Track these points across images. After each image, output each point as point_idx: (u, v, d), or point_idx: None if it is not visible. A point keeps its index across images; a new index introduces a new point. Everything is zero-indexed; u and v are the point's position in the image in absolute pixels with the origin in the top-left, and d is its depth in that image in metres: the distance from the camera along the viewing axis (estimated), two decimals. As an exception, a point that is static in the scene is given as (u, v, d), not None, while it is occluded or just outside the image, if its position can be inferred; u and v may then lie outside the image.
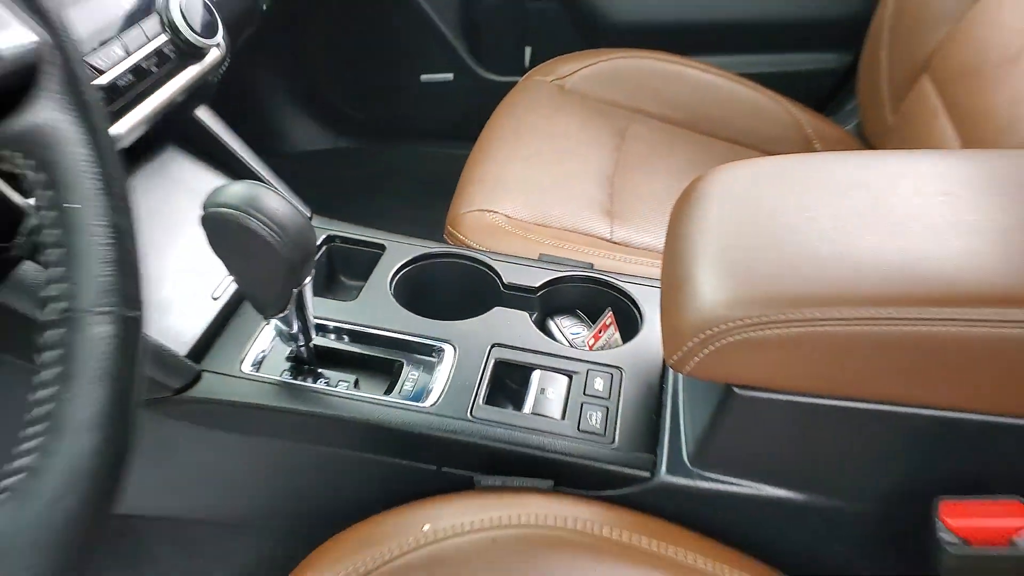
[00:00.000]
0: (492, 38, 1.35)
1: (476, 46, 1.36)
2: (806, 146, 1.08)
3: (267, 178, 0.73)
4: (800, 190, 0.54)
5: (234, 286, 0.64)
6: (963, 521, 0.47)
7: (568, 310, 0.70)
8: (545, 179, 0.90)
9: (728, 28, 1.26)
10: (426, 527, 0.52)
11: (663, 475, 0.54)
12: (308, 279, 0.53)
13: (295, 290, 0.53)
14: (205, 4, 0.65)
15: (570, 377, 0.60)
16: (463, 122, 1.28)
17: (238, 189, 0.49)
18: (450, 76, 1.37)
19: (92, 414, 0.26)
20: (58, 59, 0.28)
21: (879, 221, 0.51)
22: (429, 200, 1.07)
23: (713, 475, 0.54)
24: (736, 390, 0.49)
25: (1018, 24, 0.85)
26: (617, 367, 0.61)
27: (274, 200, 0.49)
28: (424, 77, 1.37)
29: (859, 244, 0.49)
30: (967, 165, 0.58)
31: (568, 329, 0.67)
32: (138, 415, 0.28)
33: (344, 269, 0.73)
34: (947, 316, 0.45)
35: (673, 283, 0.51)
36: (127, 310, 0.28)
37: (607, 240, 0.84)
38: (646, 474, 0.54)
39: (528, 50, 1.36)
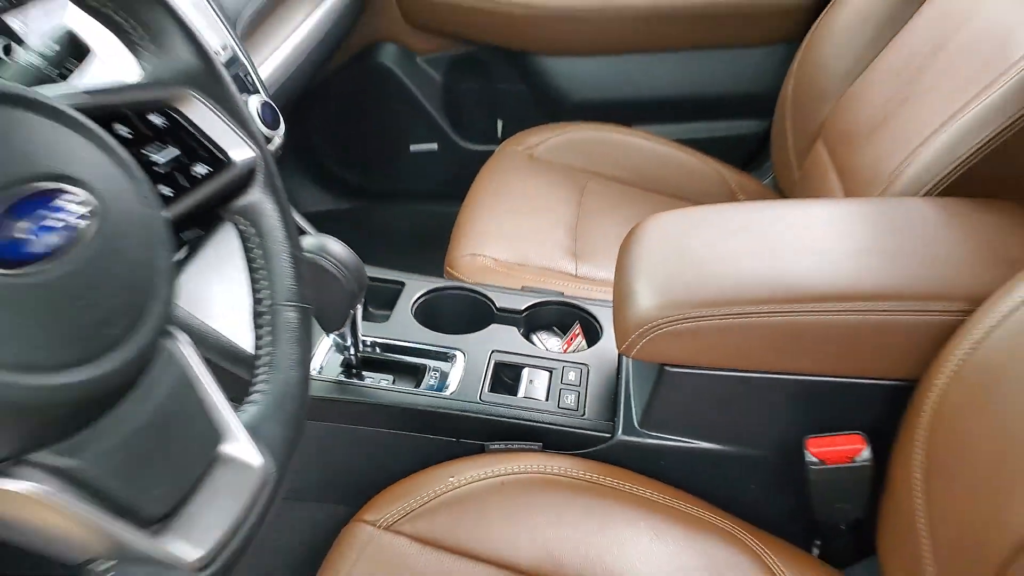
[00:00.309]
0: (470, 114, 1.57)
1: (456, 121, 1.58)
2: (731, 198, 1.31)
3: (311, 231, 0.94)
4: (707, 230, 0.77)
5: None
6: (821, 449, 0.69)
7: (546, 326, 0.91)
8: (522, 229, 1.12)
9: (665, 103, 1.49)
10: (451, 478, 0.72)
11: (620, 435, 0.75)
12: (360, 304, 0.74)
13: (351, 312, 0.73)
14: (268, 103, 0.87)
15: (550, 372, 0.81)
16: (446, 185, 1.50)
17: (312, 239, 0.70)
18: (435, 146, 1.57)
19: (293, 360, 0.46)
20: (262, 164, 0.49)
21: (761, 249, 0.73)
22: (420, 251, 1.26)
23: (656, 434, 0.75)
24: (666, 368, 0.71)
25: (880, 100, 1.11)
26: (584, 364, 0.83)
27: (339, 246, 0.70)
28: (413, 147, 1.57)
29: (745, 265, 0.71)
30: (832, 209, 0.82)
31: (547, 340, 0.89)
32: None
33: (372, 300, 0.94)
34: (802, 310, 0.67)
35: (621, 297, 0.73)
36: (302, 303, 0.48)
37: (573, 275, 1.06)
38: (608, 435, 0.75)
39: (500, 123, 1.60)
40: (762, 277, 0.69)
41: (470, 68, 1.54)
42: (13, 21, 0.57)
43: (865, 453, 0.67)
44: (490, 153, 1.32)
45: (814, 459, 0.68)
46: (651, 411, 0.74)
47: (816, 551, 0.77)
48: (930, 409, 0.62)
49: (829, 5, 1.28)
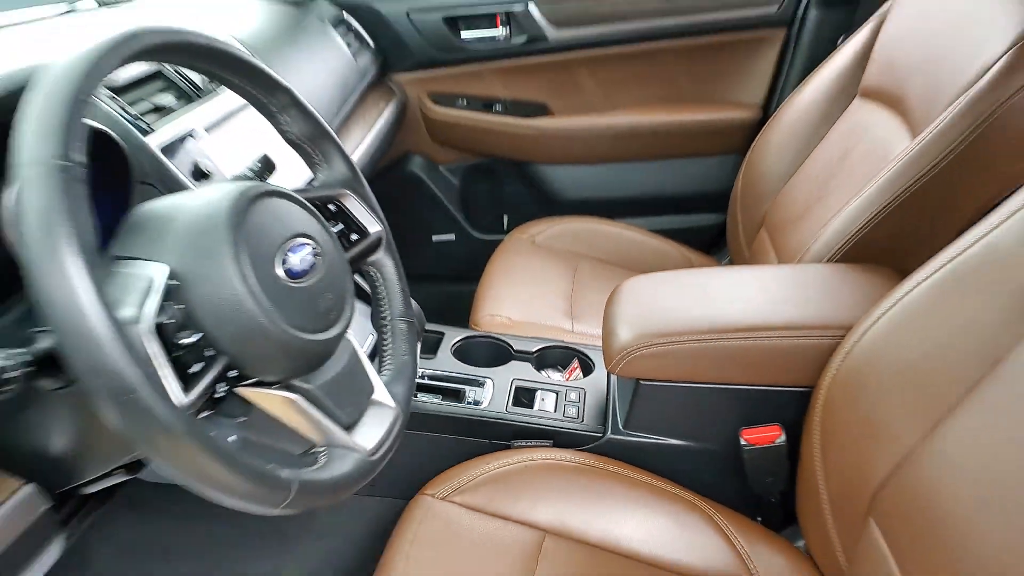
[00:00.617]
0: (481, 211, 1.89)
1: (470, 216, 1.90)
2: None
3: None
4: (667, 288, 1.07)
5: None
6: (751, 436, 0.96)
7: (552, 365, 1.20)
8: (530, 297, 1.42)
9: (641, 200, 1.82)
10: (488, 465, 0.99)
11: (609, 435, 1.03)
12: (418, 343, 1.03)
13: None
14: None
15: (557, 393, 1.09)
16: (462, 268, 1.82)
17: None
18: (452, 236, 1.89)
19: (405, 350, 0.75)
20: (384, 235, 0.79)
21: (706, 298, 1.03)
22: (442, 322, 1.56)
23: (635, 433, 1.03)
24: (641, 382, 0.99)
25: (804, 197, 1.44)
26: (582, 388, 1.11)
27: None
28: (435, 237, 1.89)
29: (694, 308, 1.01)
30: (757, 272, 1.12)
31: (552, 374, 1.17)
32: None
33: (421, 346, 1.22)
34: (735, 338, 0.97)
35: (607, 332, 1.02)
36: (408, 319, 0.77)
37: (570, 331, 1.35)
38: (600, 435, 1.03)
39: (505, 218, 1.93)
40: (706, 316, 0.99)
41: (482, 174, 1.88)
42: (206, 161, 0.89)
43: (781, 438, 0.95)
44: (497, 242, 1.63)
45: (747, 443, 0.96)
46: (631, 416, 1.02)
47: (760, 520, 1.04)
48: (821, 403, 0.90)
49: (767, 124, 1.63)
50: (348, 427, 0.64)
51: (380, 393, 0.69)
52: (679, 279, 1.10)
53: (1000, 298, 0.74)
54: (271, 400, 0.59)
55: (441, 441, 1.05)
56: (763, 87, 1.74)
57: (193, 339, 0.52)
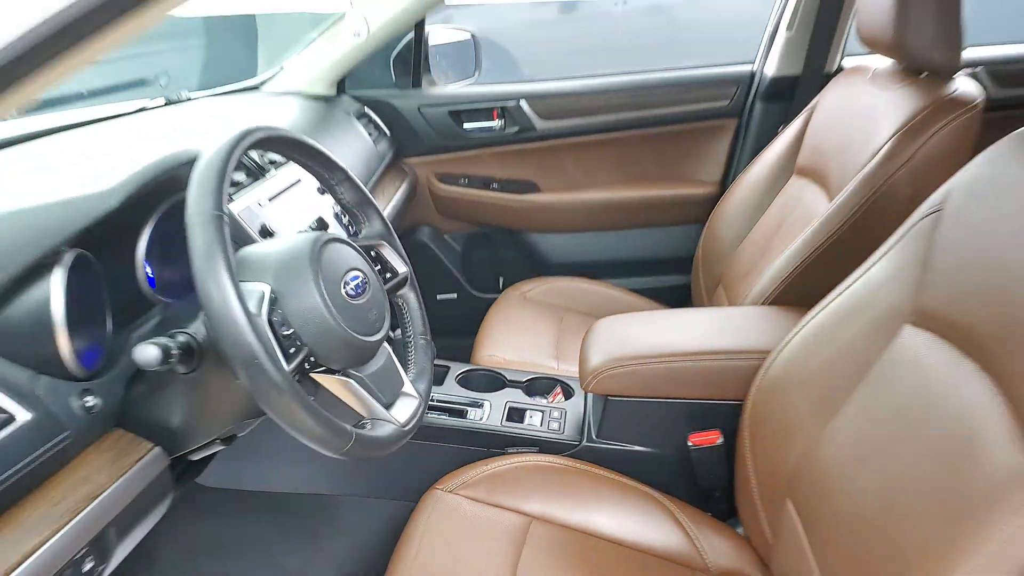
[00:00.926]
0: (480, 273, 2.17)
1: (470, 277, 2.18)
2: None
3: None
4: (630, 324, 1.33)
5: None
6: (697, 439, 1.21)
7: (539, 392, 1.44)
8: (522, 342, 1.68)
9: (617, 263, 2.11)
10: (487, 466, 1.22)
11: (584, 443, 1.27)
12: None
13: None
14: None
15: (543, 412, 1.34)
16: (463, 323, 2.07)
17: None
18: (455, 295, 2.17)
19: (425, 358, 1.00)
20: (409, 275, 1.05)
21: (660, 330, 1.29)
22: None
23: (607, 441, 1.27)
24: (610, 398, 1.24)
25: (750, 258, 1.71)
26: (564, 408, 1.35)
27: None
28: (439, 296, 2.17)
29: (651, 338, 1.27)
30: (703, 313, 1.39)
31: (539, 399, 1.42)
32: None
33: (430, 378, 1.47)
34: (683, 360, 1.22)
35: (583, 359, 1.28)
36: (428, 337, 1.03)
37: (555, 368, 1.60)
38: (577, 443, 1.27)
39: (501, 279, 2.21)
40: (658, 344, 1.25)
41: (480, 242, 2.17)
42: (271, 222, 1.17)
43: (720, 440, 1.20)
44: (493, 299, 1.90)
45: (693, 445, 1.20)
46: (602, 427, 1.26)
47: (709, 513, 1.27)
48: (749, 411, 1.15)
49: (722, 198, 1.92)
50: (387, 407, 0.89)
51: (407, 387, 0.94)
52: (640, 318, 1.37)
53: (870, 320, 1.00)
54: (334, 383, 0.84)
55: (448, 450, 1.29)
56: (719, 167, 2.05)
57: (288, 332, 0.78)
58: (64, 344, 0.77)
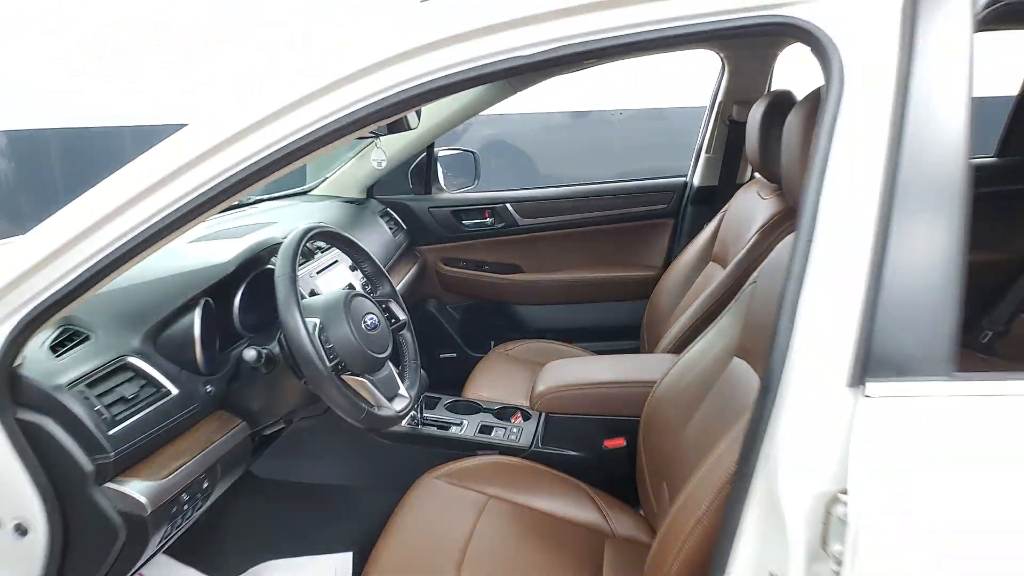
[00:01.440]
0: (474, 335, 2.71)
1: (467, 339, 2.72)
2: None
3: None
4: (571, 364, 1.85)
5: None
6: (609, 443, 1.70)
7: (505, 416, 1.95)
8: (503, 385, 2.19)
9: (582, 328, 2.63)
10: (463, 462, 1.72)
11: (532, 448, 1.76)
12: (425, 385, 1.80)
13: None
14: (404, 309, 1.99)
15: (505, 428, 1.84)
16: (460, 377, 2.59)
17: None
18: (454, 354, 2.71)
19: (415, 373, 1.53)
20: (408, 321, 1.58)
21: (588, 369, 1.81)
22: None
23: (548, 447, 1.76)
24: (550, 415, 1.74)
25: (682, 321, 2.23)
26: (521, 426, 1.85)
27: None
28: (441, 355, 2.71)
29: (580, 373, 1.78)
30: (623, 358, 1.90)
31: (505, 420, 1.92)
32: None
33: (425, 404, 1.98)
34: (598, 387, 1.73)
35: (533, 388, 1.79)
36: (419, 363, 1.56)
37: (526, 403, 2.10)
38: (527, 448, 1.76)
39: (492, 342, 2.74)
40: (583, 377, 1.76)
41: (476, 310, 2.71)
42: (316, 284, 1.73)
43: (624, 444, 1.69)
44: (482, 356, 2.43)
45: (606, 447, 1.70)
46: (545, 437, 1.76)
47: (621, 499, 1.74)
48: (643, 423, 1.65)
49: (661, 278, 2.44)
50: (388, 399, 1.41)
51: (402, 390, 1.47)
52: (578, 360, 1.89)
53: (715, 355, 1.52)
54: (355, 381, 1.37)
55: (436, 453, 1.79)
56: (661, 254, 2.60)
57: (329, 346, 1.32)
58: (199, 353, 1.32)
